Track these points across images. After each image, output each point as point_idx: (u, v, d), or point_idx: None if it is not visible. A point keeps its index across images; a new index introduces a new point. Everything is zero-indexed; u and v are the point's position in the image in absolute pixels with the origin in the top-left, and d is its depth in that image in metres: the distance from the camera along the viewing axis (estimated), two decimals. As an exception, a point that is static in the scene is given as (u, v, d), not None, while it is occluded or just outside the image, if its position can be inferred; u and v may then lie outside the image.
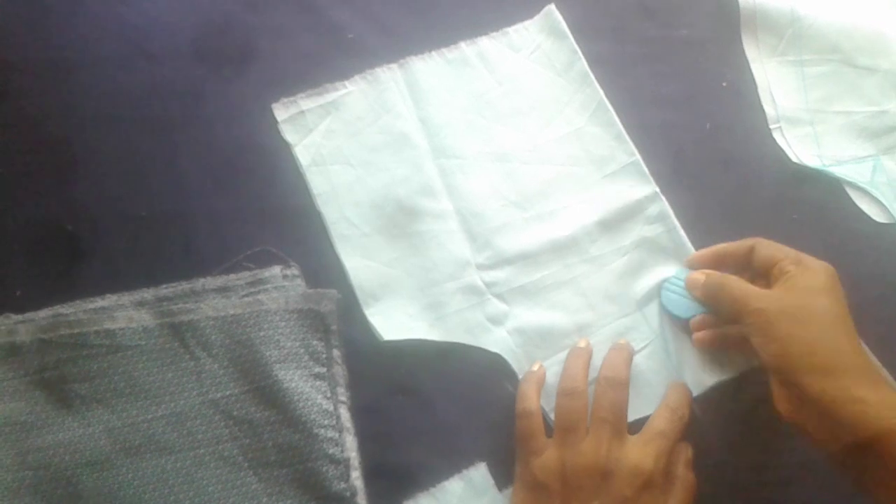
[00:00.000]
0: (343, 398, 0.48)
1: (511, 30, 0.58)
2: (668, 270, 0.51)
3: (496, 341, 0.50)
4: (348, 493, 0.45)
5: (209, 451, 0.46)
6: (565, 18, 0.58)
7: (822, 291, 0.42)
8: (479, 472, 0.47)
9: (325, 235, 0.52)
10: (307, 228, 0.52)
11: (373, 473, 0.47)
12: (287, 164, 0.53)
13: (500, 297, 0.51)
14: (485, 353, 0.49)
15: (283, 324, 0.48)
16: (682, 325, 0.49)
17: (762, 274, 0.46)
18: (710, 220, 0.53)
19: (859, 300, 0.44)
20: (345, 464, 0.46)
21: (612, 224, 0.53)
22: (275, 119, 0.54)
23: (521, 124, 0.55)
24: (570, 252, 0.52)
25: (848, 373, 0.40)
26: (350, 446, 0.46)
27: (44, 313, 0.48)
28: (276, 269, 0.50)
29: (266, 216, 0.52)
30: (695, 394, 0.48)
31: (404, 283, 0.51)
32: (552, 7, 0.58)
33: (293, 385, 0.46)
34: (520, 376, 0.49)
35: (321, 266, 0.51)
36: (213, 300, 0.48)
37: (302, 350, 0.48)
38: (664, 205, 0.53)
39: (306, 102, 0.55)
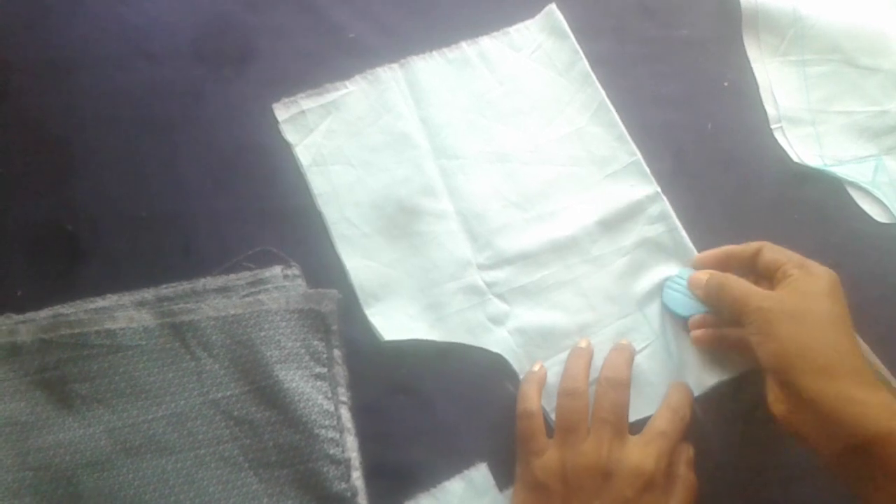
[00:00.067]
0: (344, 398, 0.48)
1: (512, 29, 0.58)
2: (670, 270, 0.51)
3: (497, 341, 0.50)
4: (349, 494, 0.45)
5: (210, 452, 0.46)
6: (566, 18, 0.58)
7: (824, 295, 0.42)
8: (480, 473, 0.47)
9: (325, 235, 0.52)
10: (308, 228, 0.52)
11: (373, 474, 0.47)
12: (287, 164, 0.53)
13: (501, 297, 0.51)
14: (486, 354, 0.49)
15: (284, 324, 0.48)
16: (684, 325, 0.49)
17: (766, 277, 0.46)
18: (711, 220, 0.53)
19: (860, 300, 0.44)
20: (345, 464, 0.46)
21: (613, 224, 0.53)
22: (275, 119, 0.54)
23: (522, 124, 0.55)
24: (571, 252, 0.52)
25: (846, 374, 0.40)
26: (351, 446, 0.46)
27: (44, 313, 0.48)
28: (277, 269, 0.50)
29: (266, 216, 0.52)
30: (696, 394, 0.47)
31: (405, 283, 0.51)
32: (553, 7, 0.58)
33: (294, 385, 0.46)
34: (521, 376, 0.49)
35: (322, 266, 0.51)
36: (213, 300, 0.48)
37: (303, 350, 0.48)
38: (665, 205, 0.53)
39: (307, 102, 0.54)
